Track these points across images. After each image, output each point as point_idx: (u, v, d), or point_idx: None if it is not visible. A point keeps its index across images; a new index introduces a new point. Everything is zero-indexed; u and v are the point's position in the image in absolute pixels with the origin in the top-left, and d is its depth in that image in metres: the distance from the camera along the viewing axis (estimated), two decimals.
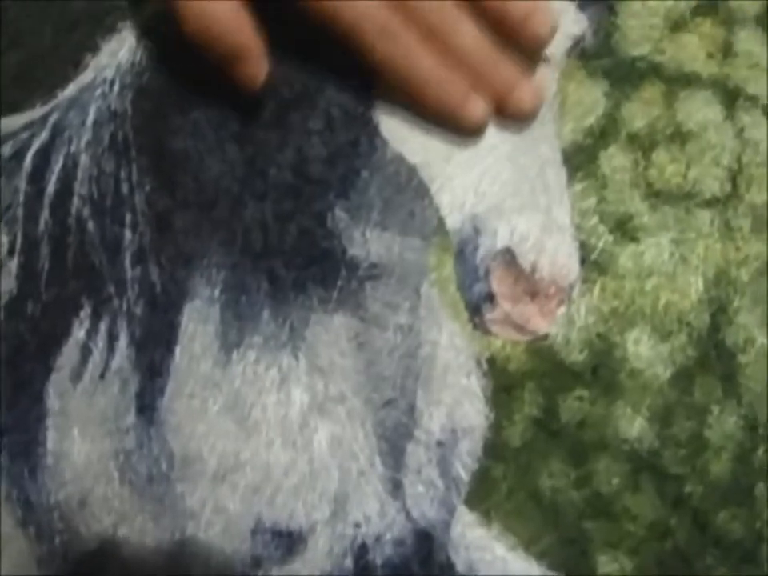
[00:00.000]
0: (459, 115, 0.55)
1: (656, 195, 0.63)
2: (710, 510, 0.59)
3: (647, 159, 0.64)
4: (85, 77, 0.63)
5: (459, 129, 0.54)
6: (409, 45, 0.56)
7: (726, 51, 0.65)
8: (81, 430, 0.57)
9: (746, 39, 0.65)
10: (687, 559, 0.58)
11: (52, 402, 0.57)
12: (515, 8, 0.55)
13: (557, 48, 0.67)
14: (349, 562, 0.56)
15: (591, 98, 0.64)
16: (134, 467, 0.57)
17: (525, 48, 0.57)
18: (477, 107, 0.56)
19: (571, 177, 0.63)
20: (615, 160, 0.64)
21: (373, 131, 0.63)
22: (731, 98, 0.64)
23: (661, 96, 0.65)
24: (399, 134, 0.64)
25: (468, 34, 0.57)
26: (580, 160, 0.64)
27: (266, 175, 0.62)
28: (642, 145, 0.64)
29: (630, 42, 0.64)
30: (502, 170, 0.63)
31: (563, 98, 0.63)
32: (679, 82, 0.65)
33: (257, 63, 0.56)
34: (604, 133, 0.63)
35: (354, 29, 0.55)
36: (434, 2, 0.56)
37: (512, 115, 0.56)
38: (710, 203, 0.63)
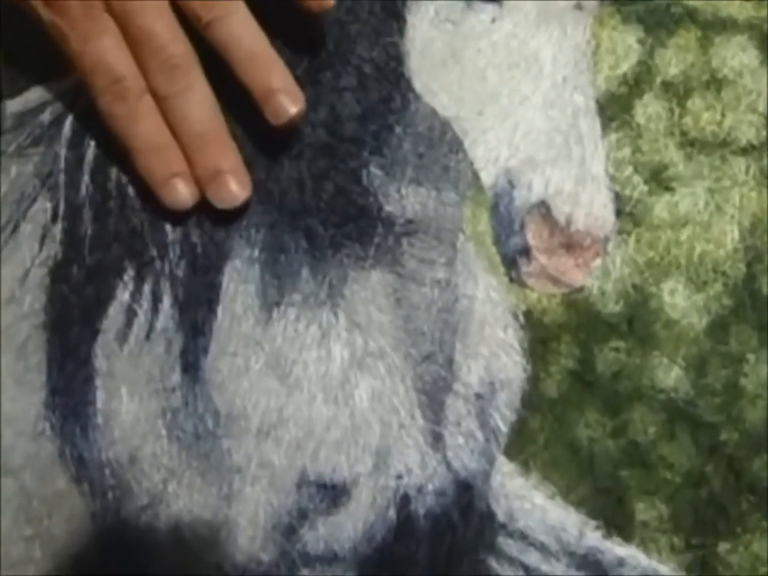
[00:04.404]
0: (160, 192, 0.60)
1: (691, 144, 0.63)
2: (745, 457, 0.60)
3: (682, 107, 0.63)
4: None
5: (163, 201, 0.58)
6: (135, 108, 0.59)
7: None
8: (128, 390, 0.59)
9: None
10: (722, 505, 0.59)
11: (100, 363, 0.59)
12: (260, 82, 0.59)
13: None
14: (392, 513, 0.58)
15: (625, 45, 0.63)
16: (181, 425, 0.58)
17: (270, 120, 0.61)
18: (176, 190, 0.61)
19: (605, 127, 0.63)
20: (650, 108, 0.63)
21: (405, 87, 0.63)
22: (767, 42, 0.63)
23: (696, 42, 0.64)
24: (431, 88, 0.64)
25: (196, 104, 0.61)
26: (614, 109, 0.63)
27: (300, 134, 0.62)
28: (677, 92, 0.63)
29: None
30: (535, 121, 0.63)
31: (596, 45, 0.63)
32: (714, 26, 0.64)
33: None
34: (638, 81, 0.63)
35: (89, 75, 0.58)
36: (174, 63, 0.58)
37: (214, 199, 0.61)
38: (746, 151, 0.63)
